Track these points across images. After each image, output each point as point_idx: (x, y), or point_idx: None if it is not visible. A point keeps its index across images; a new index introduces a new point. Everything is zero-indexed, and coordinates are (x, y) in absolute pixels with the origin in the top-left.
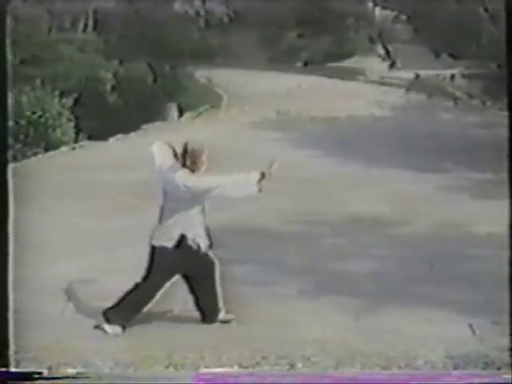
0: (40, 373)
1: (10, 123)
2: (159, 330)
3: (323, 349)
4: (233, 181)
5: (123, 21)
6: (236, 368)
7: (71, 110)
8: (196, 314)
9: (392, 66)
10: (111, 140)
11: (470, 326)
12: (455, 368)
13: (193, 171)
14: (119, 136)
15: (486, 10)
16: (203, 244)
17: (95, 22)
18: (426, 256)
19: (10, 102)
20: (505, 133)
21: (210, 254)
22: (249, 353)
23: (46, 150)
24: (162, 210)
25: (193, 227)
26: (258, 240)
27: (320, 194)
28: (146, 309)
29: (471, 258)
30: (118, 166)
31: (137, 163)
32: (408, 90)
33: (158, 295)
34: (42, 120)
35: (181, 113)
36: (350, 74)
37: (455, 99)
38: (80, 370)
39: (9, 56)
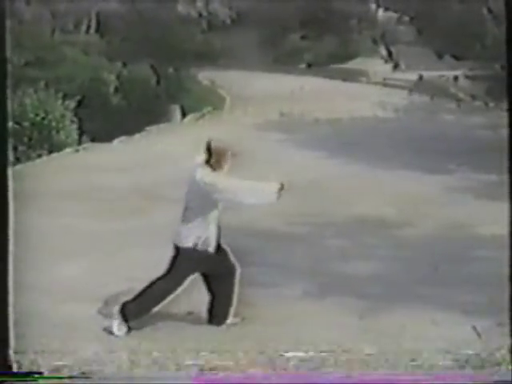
0: (40, 373)
1: (11, 125)
2: (162, 330)
3: (327, 350)
4: (251, 187)
5: (126, 23)
6: (239, 369)
7: (74, 112)
8: (202, 315)
9: (395, 67)
10: (115, 142)
11: (474, 327)
12: (459, 369)
13: (215, 170)
14: (123, 138)
15: (489, 10)
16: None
17: (98, 23)
18: (431, 257)
19: (9, 103)
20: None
21: (232, 258)
22: (253, 353)
23: (50, 151)
24: (185, 210)
25: (215, 229)
26: (262, 241)
27: (324, 195)
28: (161, 304)
29: (476, 259)
30: (122, 168)
31: (141, 165)
32: (411, 91)
33: (175, 294)
34: (46, 122)
35: (184, 114)
36: (354, 76)
37: (458, 100)
38: (81, 370)
39: (12, 58)
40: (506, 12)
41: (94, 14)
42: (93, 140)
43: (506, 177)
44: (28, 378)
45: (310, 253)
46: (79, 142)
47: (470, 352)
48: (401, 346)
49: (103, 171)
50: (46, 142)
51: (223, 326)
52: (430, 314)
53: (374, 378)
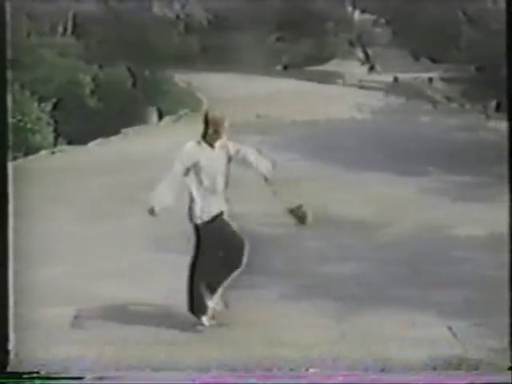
0: (38, 372)
1: None
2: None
3: (304, 352)
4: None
5: (103, 25)
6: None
7: (51, 115)
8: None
9: (371, 69)
10: (91, 144)
11: (450, 327)
12: (436, 369)
13: (213, 141)
14: (99, 140)
15: (464, 13)
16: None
17: (74, 25)
18: (408, 258)
19: None
20: (484, 135)
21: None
22: (230, 355)
23: (26, 154)
24: (193, 190)
25: (224, 203)
26: None
27: (301, 196)
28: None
29: (452, 260)
30: (98, 170)
31: (117, 167)
32: (387, 93)
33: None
34: (22, 124)
35: (160, 117)
36: (330, 78)
37: (434, 102)
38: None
39: None
40: (506, 11)
41: (70, 16)
42: (69, 142)
43: (482, 178)
44: (26, 378)
45: (287, 254)
46: (55, 145)
47: (447, 353)
48: (378, 347)
49: (79, 173)
50: (22, 144)
51: (199, 327)
52: (407, 315)
53: (351, 379)
